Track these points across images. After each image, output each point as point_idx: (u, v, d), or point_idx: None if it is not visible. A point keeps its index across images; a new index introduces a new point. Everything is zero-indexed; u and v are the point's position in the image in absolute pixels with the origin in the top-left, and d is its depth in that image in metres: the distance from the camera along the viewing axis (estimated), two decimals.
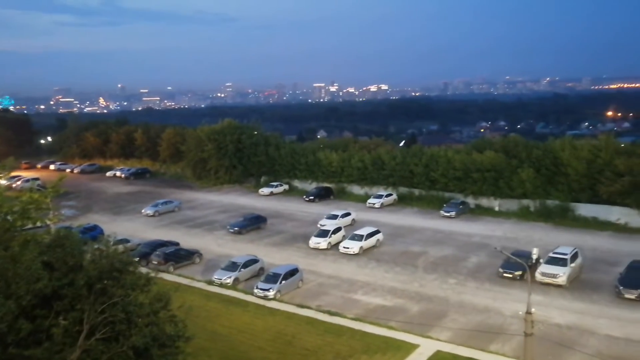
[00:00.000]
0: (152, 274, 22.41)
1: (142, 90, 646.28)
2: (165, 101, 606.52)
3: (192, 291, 39.74)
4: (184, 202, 71.16)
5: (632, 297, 36.03)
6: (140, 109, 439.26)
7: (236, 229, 56.36)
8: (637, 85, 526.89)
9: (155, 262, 44.31)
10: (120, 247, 23.99)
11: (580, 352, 29.12)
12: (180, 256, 46.66)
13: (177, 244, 49.99)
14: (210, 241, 53.96)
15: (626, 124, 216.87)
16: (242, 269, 42.30)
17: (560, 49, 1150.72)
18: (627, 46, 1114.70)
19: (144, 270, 23.07)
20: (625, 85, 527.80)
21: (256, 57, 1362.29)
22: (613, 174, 54.19)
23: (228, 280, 41.35)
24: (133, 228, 58.85)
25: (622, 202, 53.71)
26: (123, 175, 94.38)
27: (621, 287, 36.70)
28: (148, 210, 65.80)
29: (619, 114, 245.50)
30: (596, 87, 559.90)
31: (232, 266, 42.61)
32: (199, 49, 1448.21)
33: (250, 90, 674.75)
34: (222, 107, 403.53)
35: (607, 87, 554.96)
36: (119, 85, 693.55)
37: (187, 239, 53.38)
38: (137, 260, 25.99)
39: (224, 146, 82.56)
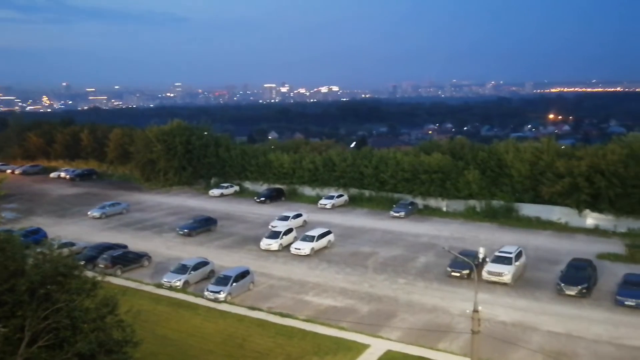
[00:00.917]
0: (99, 278, 21.96)
1: (88, 89, 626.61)
2: (113, 101, 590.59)
3: (140, 295, 39.03)
4: (132, 204, 69.62)
5: (573, 293, 37.51)
6: (86, 108, 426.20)
7: (186, 231, 55.57)
8: (576, 89, 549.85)
9: (102, 266, 43.08)
10: (65, 251, 23.21)
11: (523, 348, 30.10)
12: (128, 259, 45.64)
13: (125, 246, 48.89)
14: (159, 244, 53.02)
15: (566, 127, 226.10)
16: (192, 272, 41.73)
17: (504, 54, 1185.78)
18: (567, 52, 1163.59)
19: (90, 274, 22.52)
20: (565, 90, 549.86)
21: (206, 57, 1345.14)
22: (554, 175, 56.28)
23: (178, 283, 40.75)
24: (79, 231, 57.17)
25: (563, 202, 55.85)
26: (68, 177, 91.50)
27: (562, 284, 38.13)
28: (94, 213, 64.02)
29: (560, 117, 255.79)
30: (538, 91, 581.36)
31: (182, 269, 41.98)
32: (148, 49, 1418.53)
33: (200, 91, 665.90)
34: (171, 107, 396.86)
35: (548, 91, 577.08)
36: (64, 84, 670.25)
37: (135, 242, 52.24)
38: (82, 264, 25.34)
39: (173, 147, 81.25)
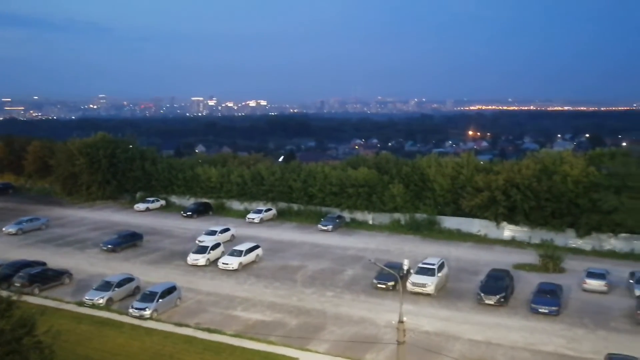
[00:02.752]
0: (14, 298, 21.02)
1: (4, 99, 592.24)
2: (31, 111, 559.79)
3: (60, 314, 37.44)
4: (52, 220, 66.63)
5: (492, 302, 39.33)
6: (1, 119, 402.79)
7: (110, 246, 53.84)
8: (493, 107, 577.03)
9: (19, 285, 40.82)
10: None
11: (446, 356, 31.30)
12: (47, 277, 43.65)
13: (44, 264, 46.72)
14: (81, 260, 51.03)
15: (484, 143, 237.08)
16: (116, 289, 40.50)
17: (427, 72, 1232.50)
18: (485, 71, 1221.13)
19: (4, 294, 21.53)
20: (484, 107, 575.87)
21: (132, 68, 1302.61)
22: (473, 189, 58.93)
23: (101, 301, 39.41)
24: None
25: (482, 215, 58.47)
26: None
27: (482, 294, 39.89)
28: (10, 229, 60.79)
29: (478, 134, 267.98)
30: (458, 109, 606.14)
31: (106, 286, 40.66)
32: (70, 58, 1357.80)
33: (125, 103, 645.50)
34: (95, 119, 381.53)
35: (468, 108, 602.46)
36: None
37: (55, 259, 50.06)
38: None
39: (97, 160, 78.67)
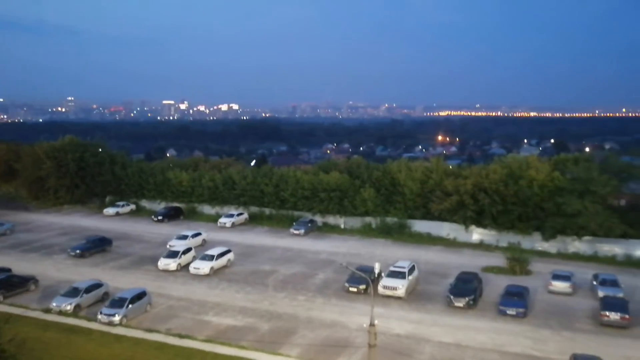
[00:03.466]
0: None
1: None
2: None
3: (26, 322, 36.60)
4: (18, 224, 65.17)
5: (461, 305, 39.92)
6: None
7: (78, 252, 52.94)
8: (462, 113, 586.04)
9: None
10: None
11: (417, 359, 31.72)
12: (11, 284, 42.56)
13: (9, 270, 45.54)
14: (48, 266, 50.06)
15: (453, 148, 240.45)
16: (84, 295, 39.79)
17: (397, 78, 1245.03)
18: (453, 78, 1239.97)
19: None
20: (452, 113, 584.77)
21: (102, 72, 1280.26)
22: (442, 193, 59.81)
23: (68, 307, 38.66)
24: None
25: (451, 218, 59.36)
26: None
27: (452, 297, 40.45)
28: None
29: (447, 139, 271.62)
30: (428, 114, 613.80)
31: (73, 292, 39.92)
32: (37, 61, 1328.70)
33: (94, 106, 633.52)
34: (63, 122, 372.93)
35: (437, 114, 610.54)
36: None
37: (21, 265, 48.91)
38: None
39: (65, 164, 77.40)
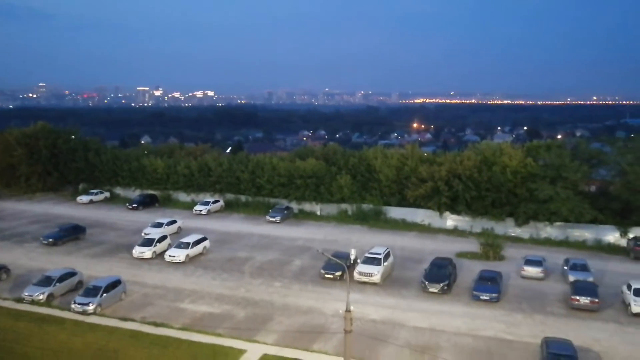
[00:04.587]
0: None
1: None
2: None
3: None
4: None
5: (435, 290, 40.43)
6: None
7: (51, 240, 52.13)
8: (437, 100, 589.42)
9: None
10: None
11: (392, 344, 32.05)
12: None
13: None
14: (20, 255, 49.21)
15: (428, 135, 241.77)
16: (57, 284, 39.27)
17: (372, 65, 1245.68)
18: (428, 65, 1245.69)
19: None
20: (427, 100, 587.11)
21: (74, 57, 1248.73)
22: (417, 179, 60.30)
23: (41, 297, 38.11)
24: None
25: (425, 205, 59.95)
26: None
27: (426, 282, 40.93)
28: None
29: (422, 126, 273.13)
30: (403, 102, 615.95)
31: (46, 281, 39.34)
32: (7, 45, 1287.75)
33: (67, 92, 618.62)
34: (34, 108, 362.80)
35: (412, 101, 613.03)
36: None
37: None
38: None
39: (37, 151, 76.11)
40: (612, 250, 52.61)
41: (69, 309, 36.52)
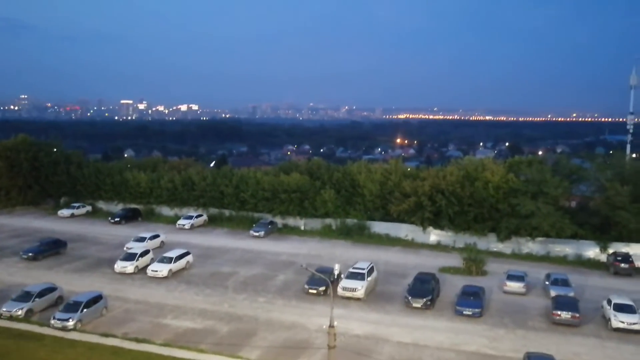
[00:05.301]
0: None
1: None
2: None
3: None
4: None
5: (419, 305, 40.46)
6: None
7: (31, 254, 51.35)
8: (420, 116, 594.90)
9: None
10: None
11: (376, 359, 32.05)
12: None
13: None
14: None
15: (411, 150, 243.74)
16: (36, 299, 38.66)
17: (357, 80, 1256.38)
18: (412, 81, 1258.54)
19: None
20: (411, 116, 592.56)
21: (56, 69, 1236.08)
22: (401, 194, 60.62)
23: (19, 312, 37.47)
24: None
25: (409, 220, 60.22)
26: None
27: (410, 297, 40.98)
28: None
29: (406, 141, 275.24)
30: (387, 117, 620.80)
31: (25, 296, 38.72)
32: None
33: (49, 105, 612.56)
34: (15, 121, 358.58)
35: (396, 117, 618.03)
36: None
37: None
38: None
39: (18, 164, 75.26)
40: (592, 265, 53.26)
41: (49, 325, 35.91)
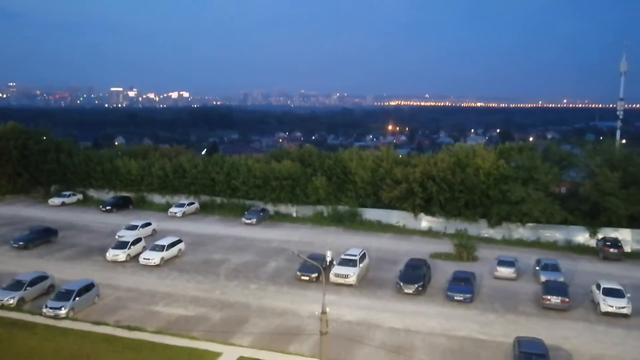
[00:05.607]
0: None
1: None
2: None
3: None
4: None
5: (410, 291, 40.78)
6: None
7: (21, 243, 51.12)
8: (412, 102, 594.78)
9: None
10: None
11: (368, 345, 32.29)
12: None
13: None
14: None
15: (403, 137, 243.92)
16: (28, 288, 38.56)
17: (348, 67, 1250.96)
18: (404, 68, 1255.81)
19: None
20: (402, 103, 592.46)
21: (45, 56, 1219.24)
22: (392, 181, 60.70)
23: (11, 301, 37.38)
24: None
25: (400, 206, 60.37)
26: None
27: (401, 283, 41.28)
28: None
29: (397, 128, 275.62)
30: (378, 104, 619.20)
31: (17, 285, 38.60)
32: None
33: (38, 92, 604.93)
34: (4, 109, 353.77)
35: (387, 103, 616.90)
36: None
37: None
38: None
39: (7, 152, 74.70)
40: (581, 250, 53.77)
41: (40, 314, 35.85)
